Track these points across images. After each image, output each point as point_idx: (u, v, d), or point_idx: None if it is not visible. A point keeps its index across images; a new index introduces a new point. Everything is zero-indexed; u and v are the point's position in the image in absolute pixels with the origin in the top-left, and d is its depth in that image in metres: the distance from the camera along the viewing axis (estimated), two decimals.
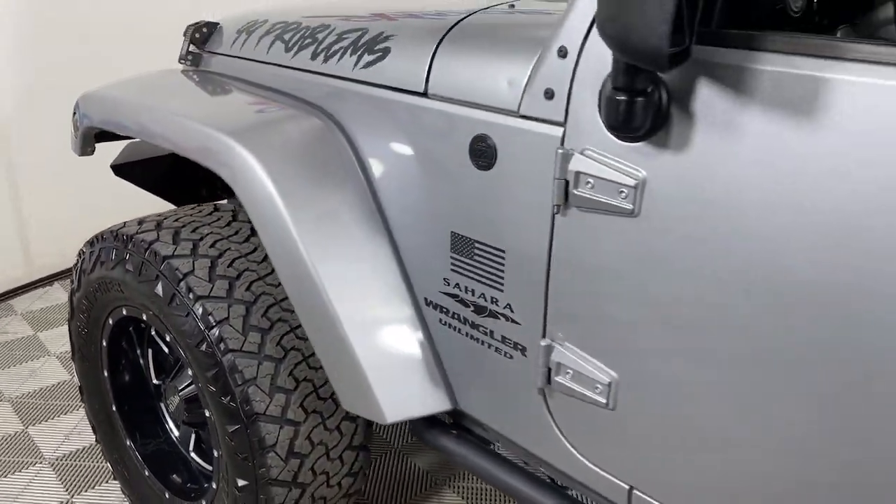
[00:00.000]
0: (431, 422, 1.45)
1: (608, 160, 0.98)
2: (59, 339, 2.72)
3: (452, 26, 1.23)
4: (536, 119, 1.06)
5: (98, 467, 2.05)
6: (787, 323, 0.87)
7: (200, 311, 1.39)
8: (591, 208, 1.02)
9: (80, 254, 1.68)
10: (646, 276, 0.99)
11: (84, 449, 2.13)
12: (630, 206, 0.97)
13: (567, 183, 1.03)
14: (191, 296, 1.40)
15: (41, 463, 2.08)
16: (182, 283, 1.41)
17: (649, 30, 0.74)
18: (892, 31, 1.15)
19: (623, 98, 0.88)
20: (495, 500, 1.96)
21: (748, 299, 0.90)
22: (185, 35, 1.81)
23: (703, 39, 0.88)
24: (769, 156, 0.85)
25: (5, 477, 2.02)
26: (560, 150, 1.02)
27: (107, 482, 1.99)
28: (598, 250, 1.03)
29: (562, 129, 1.03)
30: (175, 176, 2.03)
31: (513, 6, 1.33)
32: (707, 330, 0.95)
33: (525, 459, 1.34)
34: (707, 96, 0.89)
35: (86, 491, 1.97)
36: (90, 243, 1.64)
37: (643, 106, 0.89)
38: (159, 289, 1.44)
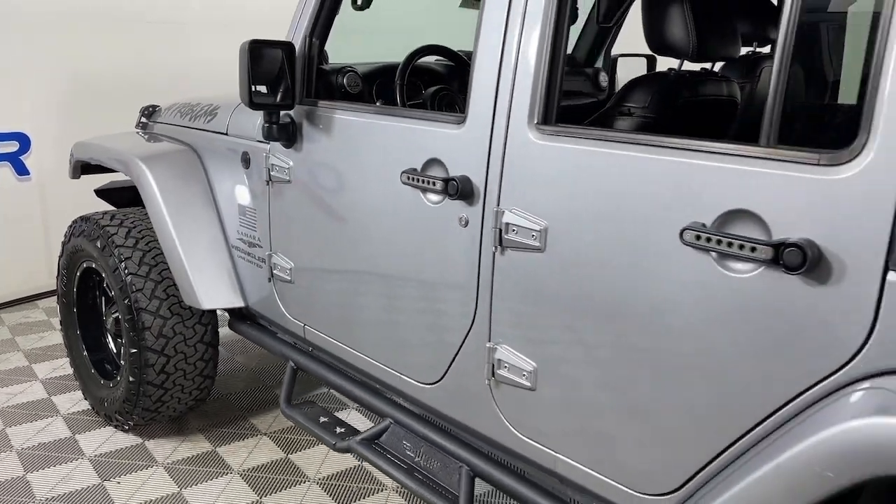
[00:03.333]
0: (241, 318, 2.56)
1: (281, 157, 2.13)
2: None
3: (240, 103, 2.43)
4: (261, 141, 2.22)
5: (71, 383, 3.16)
6: (354, 223, 1.98)
7: (118, 252, 2.54)
8: (277, 181, 2.16)
9: (65, 234, 2.86)
10: (298, 211, 2.11)
11: (65, 375, 3.25)
12: (288, 178, 2.11)
13: (269, 170, 2.17)
14: (114, 245, 2.56)
15: (35, 380, 3.21)
16: (110, 239, 2.57)
17: (244, 93, 1.90)
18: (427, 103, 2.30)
19: (266, 125, 2.03)
20: None
21: (331, 220, 2.00)
22: (139, 112, 3.06)
23: (306, 102, 2.04)
24: (324, 152, 1.98)
25: (6, 387, 3.16)
26: (265, 154, 2.18)
27: (81, 398, 3.10)
28: (282, 201, 2.17)
29: (269, 145, 2.19)
30: (136, 199, 3.24)
31: None
32: (325, 232, 2.05)
33: (268, 325, 2.43)
34: (308, 127, 2.04)
35: (64, 393, 3.08)
36: (70, 226, 2.82)
37: (276, 130, 2.03)
38: (98, 243, 2.61)
